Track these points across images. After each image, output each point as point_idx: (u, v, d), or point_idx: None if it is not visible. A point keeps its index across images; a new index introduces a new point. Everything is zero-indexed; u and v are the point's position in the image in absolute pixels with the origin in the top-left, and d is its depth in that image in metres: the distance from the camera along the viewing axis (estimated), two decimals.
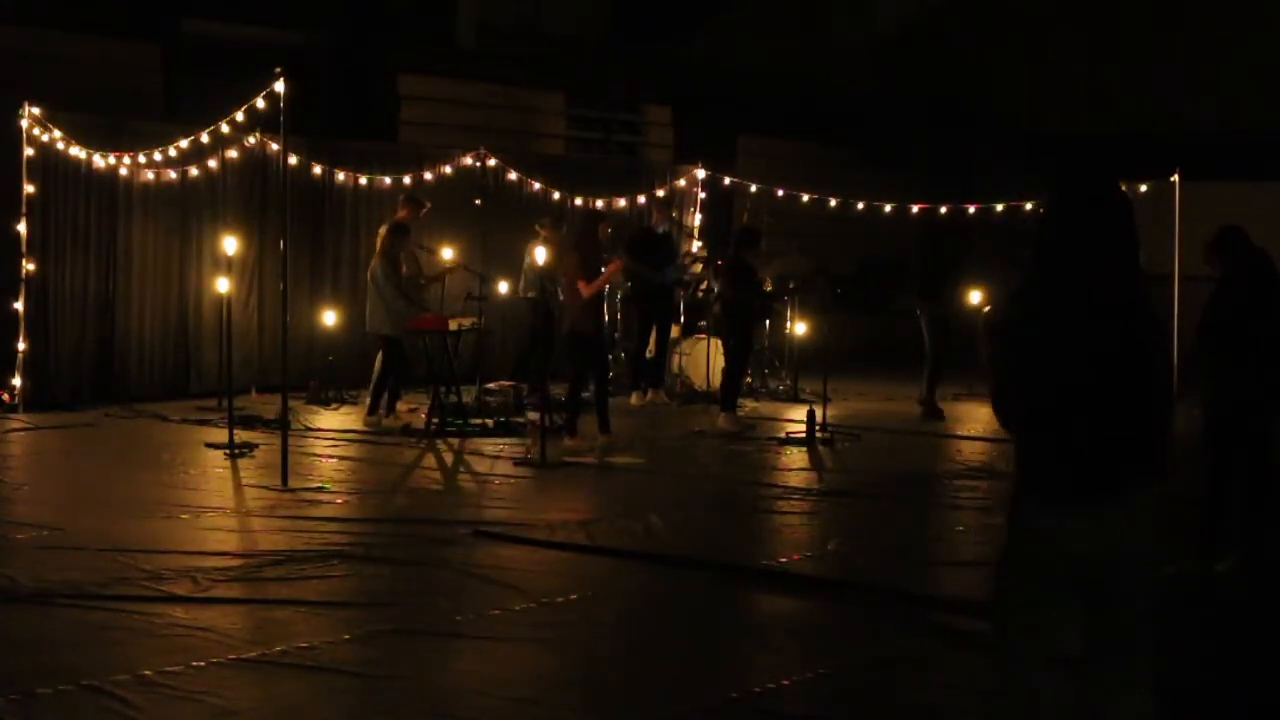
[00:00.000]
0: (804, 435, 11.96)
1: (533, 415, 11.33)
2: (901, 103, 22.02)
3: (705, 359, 14.87)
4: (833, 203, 17.03)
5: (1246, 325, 7.30)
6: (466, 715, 5.14)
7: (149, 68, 15.76)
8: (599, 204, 16.32)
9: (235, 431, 10.71)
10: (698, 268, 15.62)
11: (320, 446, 11.24)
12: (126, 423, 12.36)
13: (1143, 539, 3.66)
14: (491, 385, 13.72)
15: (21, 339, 12.55)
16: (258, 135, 13.69)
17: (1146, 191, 13.82)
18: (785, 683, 5.57)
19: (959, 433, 12.95)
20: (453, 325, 12.57)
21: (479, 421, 12.38)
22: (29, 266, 12.58)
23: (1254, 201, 15.48)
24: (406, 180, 14.87)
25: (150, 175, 13.41)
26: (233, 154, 13.79)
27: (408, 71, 17.75)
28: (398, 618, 6.33)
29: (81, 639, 5.88)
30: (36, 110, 12.51)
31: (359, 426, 12.21)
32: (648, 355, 14.75)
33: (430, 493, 9.62)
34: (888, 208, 17.10)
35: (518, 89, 18.69)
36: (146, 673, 5.39)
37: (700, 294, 15.58)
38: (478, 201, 14.64)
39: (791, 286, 15.26)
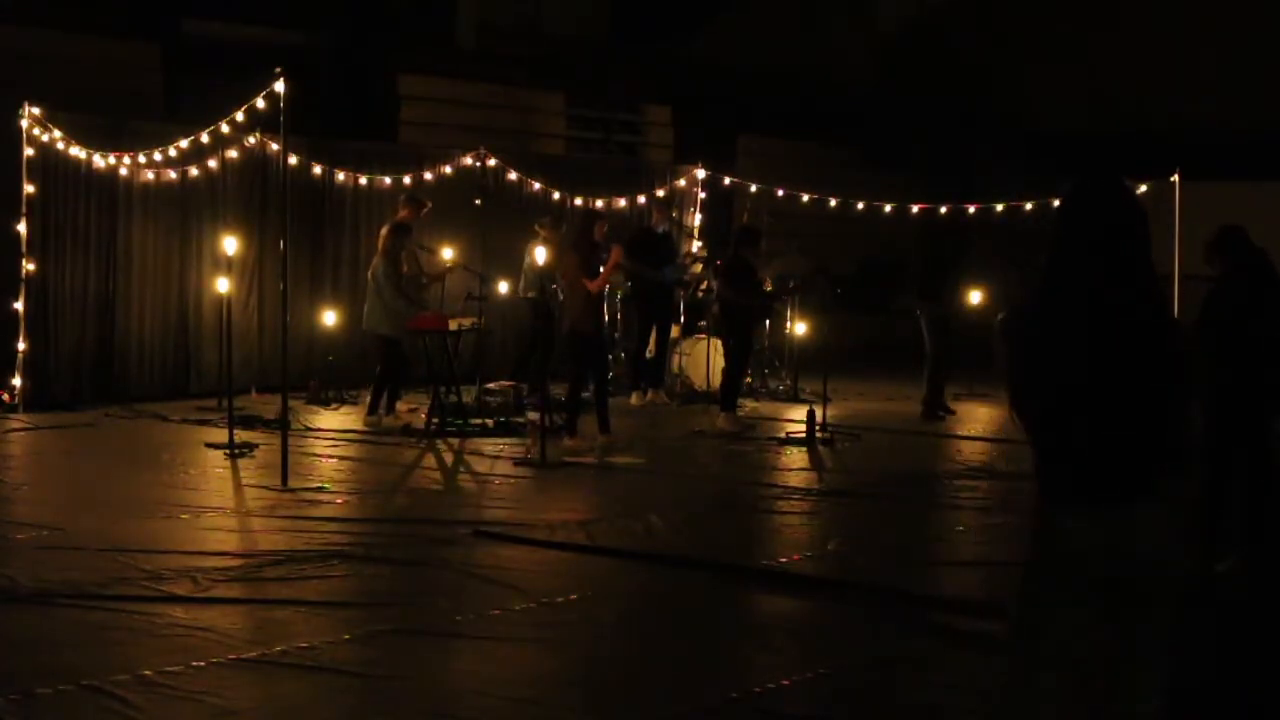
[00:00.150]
0: (804, 435, 11.96)
1: (533, 415, 11.33)
2: (901, 103, 22.02)
3: (705, 359, 14.87)
4: (833, 203, 17.04)
5: (1246, 325, 7.30)
6: (466, 715, 5.14)
7: (149, 68, 15.76)
8: (599, 204, 16.31)
9: (235, 431, 10.71)
10: (698, 268, 15.63)
11: (320, 446, 11.24)
12: (126, 423, 12.36)
13: (1162, 540, 3.66)
14: (491, 385, 13.73)
15: (21, 339, 12.55)
16: (258, 135, 13.69)
17: (1146, 191, 13.82)
18: (785, 683, 5.57)
19: (959, 433, 12.95)
20: (453, 325, 12.57)
21: (479, 421, 12.38)
22: (29, 266, 12.58)
23: (1254, 201, 15.46)
24: (406, 180, 14.87)
25: (150, 175, 13.41)
26: (233, 154, 13.79)
27: (408, 71, 17.75)
28: (398, 618, 6.33)
29: (81, 639, 5.88)
30: (36, 110, 12.51)
31: (359, 426, 12.21)
32: (648, 355, 14.75)
33: (430, 493, 9.62)
34: (888, 208, 17.10)
35: (518, 89, 18.68)
36: (146, 673, 5.40)
37: (700, 294, 15.58)
38: (478, 201, 14.64)
39: (791, 286, 15.27)
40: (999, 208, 16.78)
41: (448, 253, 13.86)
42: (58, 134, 12.64)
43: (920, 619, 6.63)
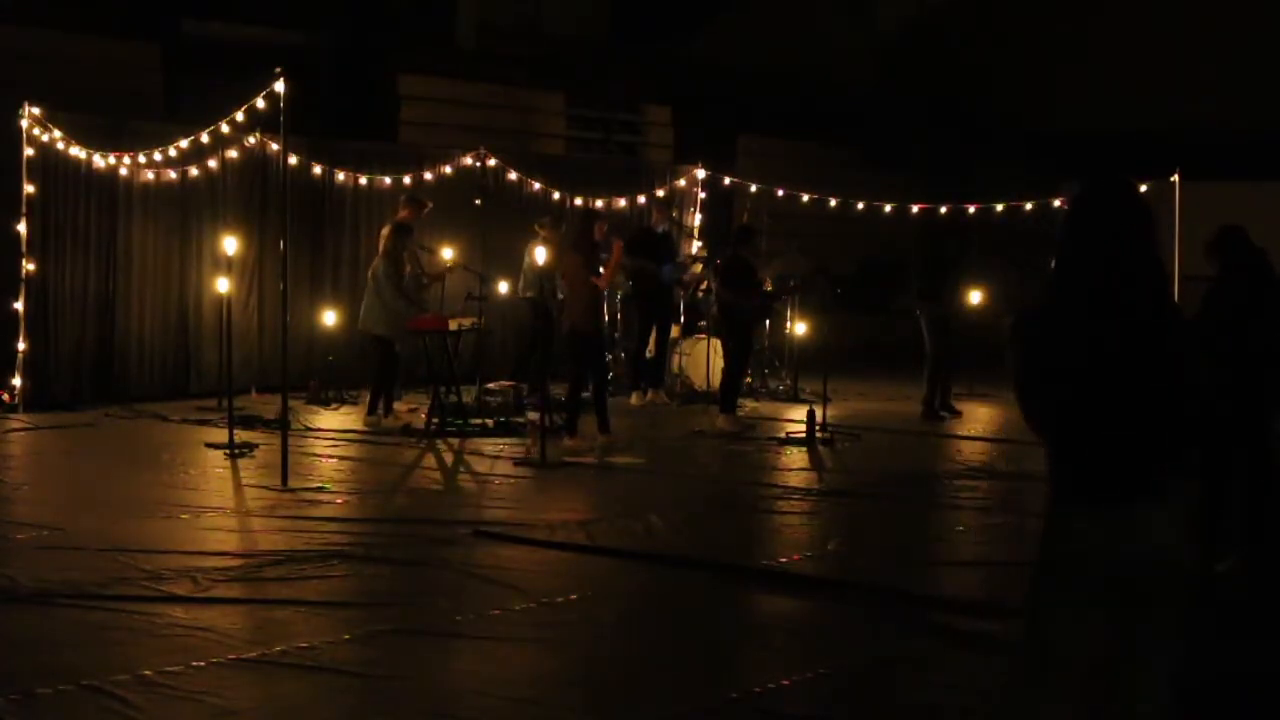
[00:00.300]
0: (804, 435, 11.96)
1: (533, 415, 11.33)
2: (901, 103, 22.03)
3: (705, 359, 14.87)
4: (833, 203, 17.04)
5: (1245, 325, 7.30)
6: (466, 715, 5.14)
7: (149, 68, 15.76)
8: (599, 204, 16.32)
9: (235, 431, 10.71)
10: (698, 268, 15.63)
11: (320, 446, 11.24)
12: (126, 423, 12.36)
13: (1171, 540, 3.66)
14: (491, 385, 13.73)
15: (21, 339, 12.55)
16: (258, 135, 13.69)
17: (1146, 191, 13.81)
18: (785, 683, 5.57)
19: (959, 433, 12.96)
20: (453, 325, 12.57)
21: (479, 421, 12.38)
22: (29, 266, 12.58)
23: (1254, 201, 15.46)
24: (406, 180, 14.88)
25: (150, 175, 13.42)
26: (233, 154, 13.79)
27: (408, 71, 17.75)
28: (398, 618, 6.33)
29: (81, 639, 5.88)
30: (36, 110, 12.52)
31: (359, 426, 12.21)
32: (648, 355, 14.76)
33: (430, 493, 9.62)
34: (888, 208, 17.11)
35: (518, 89, 18.69)
36: (146, 673, 5.39)
37: (700, 294, 15.58)
38: (478, 201, 14.64)
39: (791, 285, 15.27)
40: (999, 208, 16.78)
41: (448, 253, 13.86)
42: (58, 134, 12.64)
43: (920, 619, 6.62)
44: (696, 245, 16.34)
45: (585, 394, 11.45)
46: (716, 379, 13.70)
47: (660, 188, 17.02)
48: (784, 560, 7.69)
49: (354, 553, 7.55)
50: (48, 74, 14.08)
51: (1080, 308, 3.66)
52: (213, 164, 13.70)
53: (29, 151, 12.51)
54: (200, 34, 16.26)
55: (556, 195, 16.14)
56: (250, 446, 10.76)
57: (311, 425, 12.25)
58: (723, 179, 17.26)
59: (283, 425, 9.82)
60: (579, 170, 17.03)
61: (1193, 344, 3.71)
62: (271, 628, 6.15)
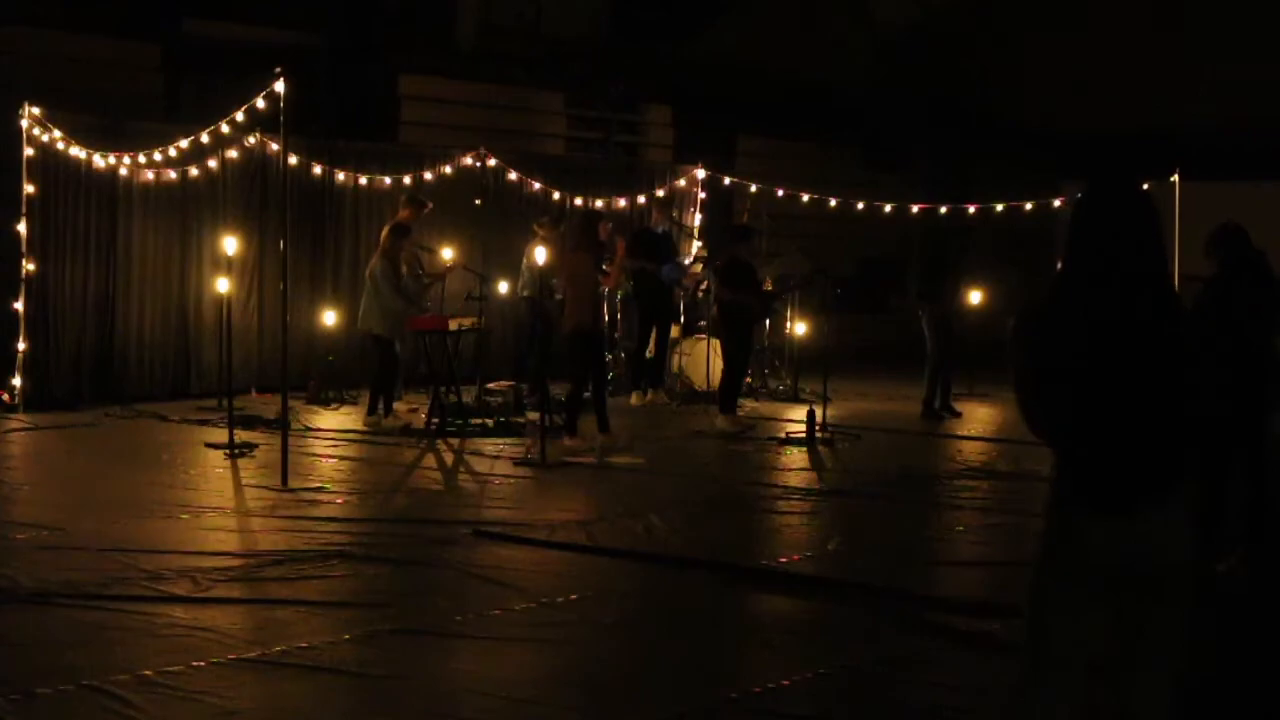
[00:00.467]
0: (804, 435, 11.96)
1: (532, 415, 11.33)
2: (901, 103, 22.01)
3: (705, 359, 14.87)
4: (833, 203, 17.04)
5: (1244, 324, 7.30)
6: (466, 715, 5.14)
7: (149, 68, 15.76)
8: (599, 204, 16.33)
9: (235, 431, 10.71)
10: (698, 268, 15.63)
11: (320, 446, 11.24)
12: (126, 423, 12.36)
13: (1178, 540, 3.66)
14: (492, 385, 13.73)
15: (21, 339, 12.55)
16: (258, 135, 13.70)
17: (1149, 193, 13.82)
18: (785, 683, 5.57)
19: (959, 433, 12.96)
20: (453, 325, 12.57)
21: (479, 421, 12.38)
22: (29, 266, 12.58)
23: (1254, 201, 15.47)
24: (406, 180, 14.88)
25: (150, 175, 13.42)
26: (233, 154, 13.80)
27: (408, 71, 17.75)
28: (398, 618, 6.33)
29: (81, 639, 5.88)
30: (36, 110, 12.52)
31: (359, 426, 12.21)
32: (648, 355, 14.76)
33: (430, 493, 9.62)
34: (888, 208, 17.12)
35: (518, 89, 18.69)
36: (146, 673, 5.40)
37: (700, 294, 15.59)
38: (478, 201, 14.63)
39: (790, 285, 15.27)
40: (999, 208, 16.78)
41: (448, 253, 13.86)
42: (58, 134, 12.64)
43: (920, 619, 6.62)
44: (696, 245, 16.34)
45: (586, 394, 11.46)
46: (716, 379, 13.70)
47: (660, 188, 17.02)
48: (784, 560, 7.70)
49: (354, 553, 7.56)
50: (48, 74, 14.07)
51: (1084, 308, 3.65)
52: (213, 164, 13.71)
53: (29, 151, 12.51)
54: (200, 34, 16.25)
55: (556, 195, 16.14)
56: (250, 446, 10.76)
57: (311, 425, 12.25)
58: (723, 179, 17.26)
59: (283, 425, 9.82)
60: (579, 170, 17.03)
61: (1196, 344, 3.71)
62: (271, 628, 6.15)
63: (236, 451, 10.51)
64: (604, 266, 11.23)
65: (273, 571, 7.10)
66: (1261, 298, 7.45)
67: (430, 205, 13.28)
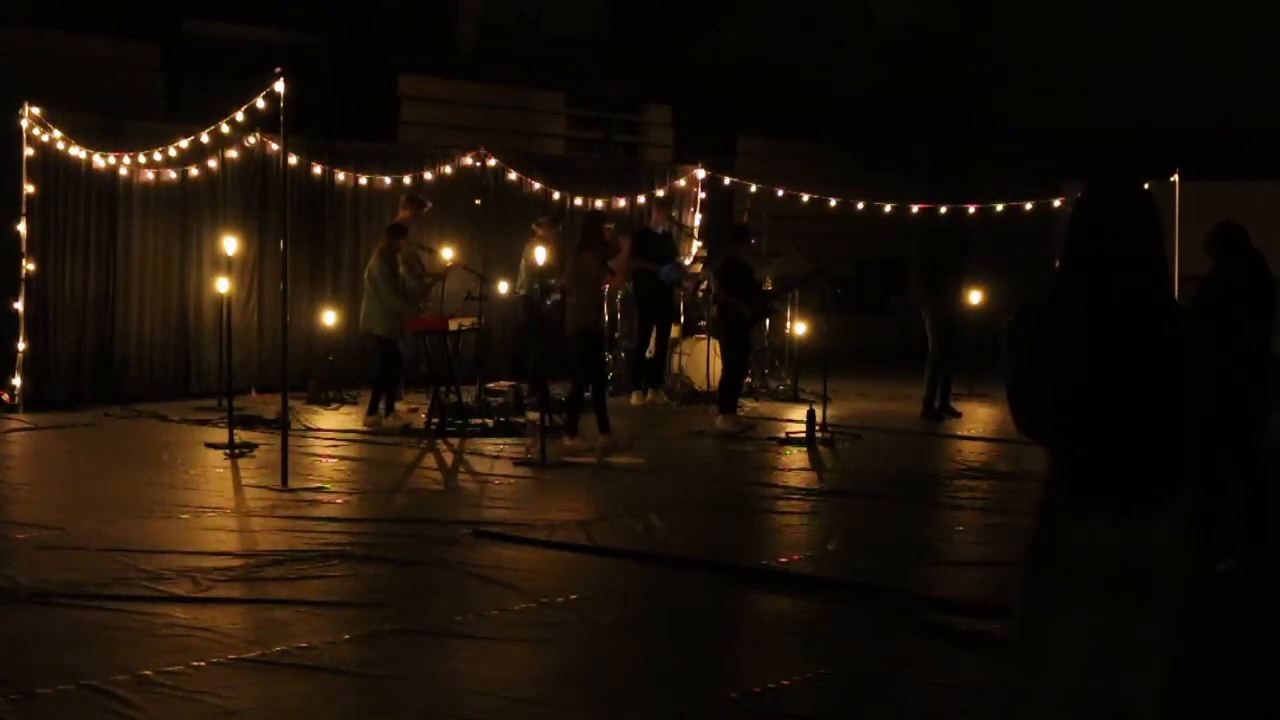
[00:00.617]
0: (804, 435, 11.96)
1: (532, 415, 11.33)
2: (901, 103, 22.02)
3: (705, 359, 14.87)
4: (833, 203, 17.04)
5: (1242, 324, 7.30)
6: (466, 715, 5.14)
7: (149, 68, 15.76)
8: (599, 204, 16.33)
9: (235, 431, 10.71)
10: (698, 267, 15.63)
11: (320, 446, 11.24)
12: (126, 423, 12.37)
13: (1175, 541, 3.66)
14: (492, 385, 13.73)
15: (21, 339, 12.56)
16: (258, 135, 13.70)
17: (1149, 192, 13.81)
18: (785, 683, 5.56)
19: (959, 433, 12.96)
20: (453, 325, 12.57)
21: (479, 421, 12.38)
22: (29, 266, 12.58)
23: (1254, 201, 15.46)
24: (406, 180, 14.89)
25: (150, 175, 13.42)
26: (233, 154, 13.80)
27: (408, 71, 17.75)
28: (398, 618, 6.33)
29: (81, 639, 5.88)
30: (36, 110, 12.52)
31: (359, 426, 12.21)
32: (648, 355, 14.76)
33: (430, 493, 9.62)
34: (888, 208, 17.12)
35: (518, 89, 18.69)
36: (146, 673, 5.39)
37: (700, 294, 15.59)
38: (478, 201, 14.63)
39: (789, 285, 15.26)
40: (999, 208, 16.78)
41: (448, 253, 13.86)
42: (58, 134, 12.64)
43: (920, 619, 6.62)
44: (696, 245, 16.34)
45: (586, 394, 11.45)
46: (716, 379, 13.70)
47: (660, 188, 17.02)
48: (784, 560, 7.69)
49: (354, 553, 7.56)
50: (48, 74, 14.08)
51: (1084, 308, 3.65)
52: (213, 164, 13.71)
53: (29, 151, 12.51)
54: (200, 34, 16.25)
55: (556, 195, 16.15)
56: (250, 446, 10.76)
57: (311, 425, 12.25)
58: (723, 179, 17.26)
59: (283, 425, 9.82)
60: (579, 170, 17.04)
61: (1197, 344, 3.71)
62: (271, 628, 6.15)
63: (236, 451, 10.51)
64: (609, 265, 11.22)
65: (273, 571, 7.10)
66: (1261, 298, 7.44)
67: (429, 205, 13.28)
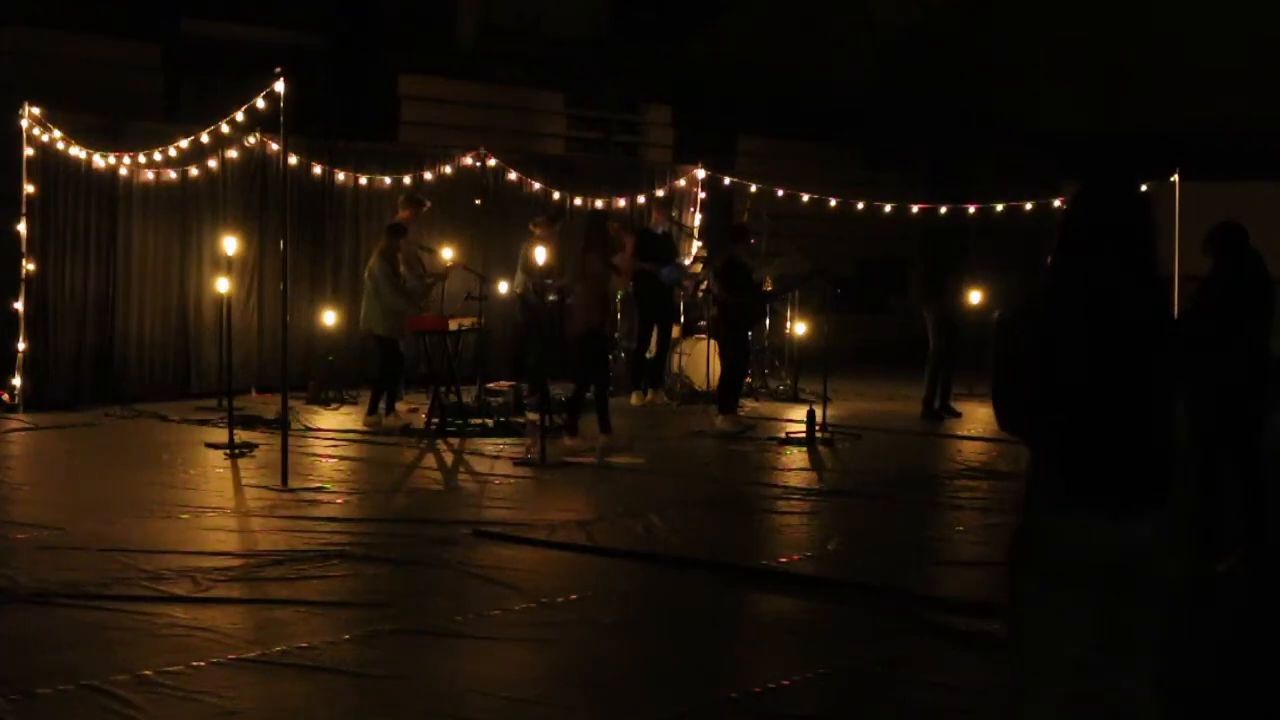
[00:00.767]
0: (804, 435, 11.96)
1: (532, 415, 11.33)
2: (901, 103, 22.02)
3: (705, 359, 14.87)
4: (833, 203, 17.04)
5: (1241, 324, 7.30)
6: (466, 715, 5.14)
7: (149, 68, 15.77)
8: (599, 204, 16.33)
9: (235, 431, 10.71)
10: (697, 267, 15.63)
11: (320, 446, 11.24)
12: (126, 423, 12.37)
13: (1164, 540, 3.66)
14: (492, 385, 13.73)
15: (21, 339, 12.56)
16: (258, 135, 13.70)
17: (1146, 192, 13.81)
18: (785, 683, 5.57)
19: (959, 433, 12.96)
20: (453, 325, 12.57)
21: (479, 421, 12.38)
22: (29, 266, 12.58)
23: (1254, 201, 15.46)
24: (406, 180, 14.88)
25: (150, 175, 13.42)
26: (233, 154, 13.80)
27: (408, 71, 17.75)
28: (398, 618, 6.33)
29: (81, 639, 5.88)
30: (36, 110, 12.52)
31: (359, 426, 12.21)
32: (648, 355, 14.75)
33: (430, 493, 9.62)
34: (888, 208, 17.11)
35: (518, 89, 18.69)
36: (146, 673, 5.40)
37: (700, 294, 15.59)
38: (478, 201, 14.63)
39: (788, 285, 15.26)
40: (999, 208, 16.78)
41: (448, 253, 13.86)
42: (58, 134, 12.64)
43: (920, 619, 6.62)
44: (696, 245, 16.34)
45: (587, 394, 11.45)
46: (716, 379, 13.70)
47: (660, 188, 17.02)
48: (784, 560, 7.70)
49: (354, 553, 7.56)
50: (48, 74, 14.08)
51: (1081, 308, 3.65)
52: (213, 164, 13.71)
53: (29, 151, 12.51)
54: (200, 34, 16.26)
55: (556, 195, 16.14)
56: (250, 446, 10.76)
57: (311, 425, 12.25)
58: (723, 179, 17.26)
59: (283, 425, 9.82)
60: (579, 170, 17.04)
61: (1178, 343, 3.71)
62: (271, 628, 6.15)
63: (236, 451, 10.51)
64: (614, 263, 11.22)
65: (273, 571, 7.10)
66: (1261, 298, 7.44)
67: (429, 204, 13.28)
